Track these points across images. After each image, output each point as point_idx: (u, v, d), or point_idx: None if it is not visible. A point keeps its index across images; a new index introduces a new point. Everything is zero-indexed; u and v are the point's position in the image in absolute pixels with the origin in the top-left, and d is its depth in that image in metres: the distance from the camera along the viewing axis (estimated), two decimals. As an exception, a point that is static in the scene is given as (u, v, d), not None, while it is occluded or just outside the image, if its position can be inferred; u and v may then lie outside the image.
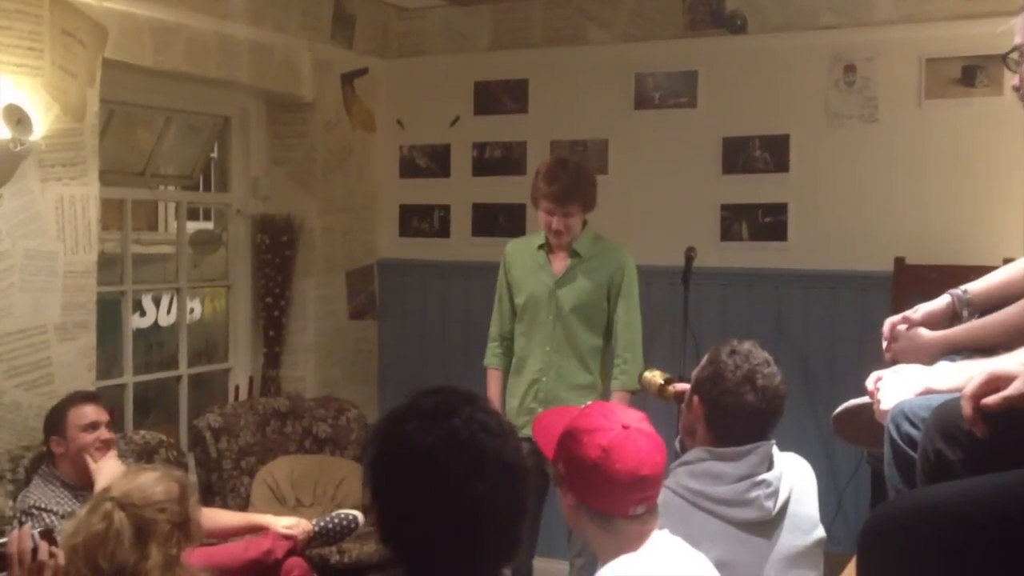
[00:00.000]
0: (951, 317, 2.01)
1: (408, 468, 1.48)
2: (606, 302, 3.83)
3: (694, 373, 2.52)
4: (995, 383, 1.46)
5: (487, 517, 1.47)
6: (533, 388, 3.85)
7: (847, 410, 2.01)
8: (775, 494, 2.39)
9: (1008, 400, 1.44)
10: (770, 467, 2.42)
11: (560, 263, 3.86)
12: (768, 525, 2.39)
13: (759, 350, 2.49)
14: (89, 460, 3.37)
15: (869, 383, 1.88)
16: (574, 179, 3.78)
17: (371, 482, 1.52)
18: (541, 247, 3.90)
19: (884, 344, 2.05)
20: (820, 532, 2.50)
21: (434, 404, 1.51)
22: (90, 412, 3.45)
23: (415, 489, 1.46)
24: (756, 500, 2.37)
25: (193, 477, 4.22)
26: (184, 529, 2.51)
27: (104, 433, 3.45)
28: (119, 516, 2.41)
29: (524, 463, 1.54)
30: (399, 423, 1.51)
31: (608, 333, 3.88)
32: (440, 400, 1.51)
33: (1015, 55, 1.75)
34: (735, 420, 2.39)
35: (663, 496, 2.31)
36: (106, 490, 2.53)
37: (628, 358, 3.81)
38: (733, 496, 2.36)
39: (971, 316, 2.00)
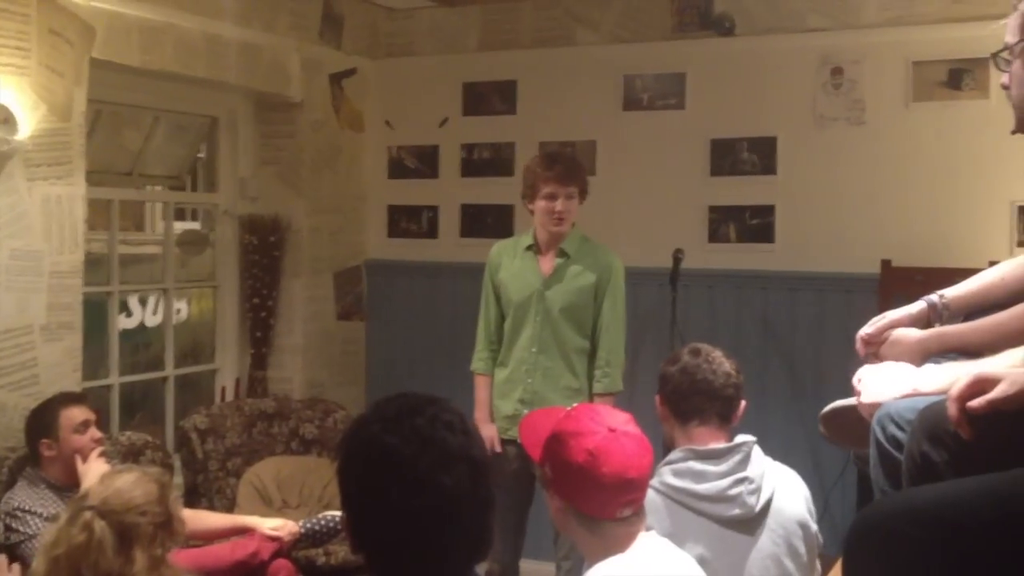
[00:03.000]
0: (925, 324, 2.01)
1: (375, 468, 1.51)
2: (593, 303, 3.81)
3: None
4: (981, 385, 1.47)
5: (455, 512, 1.49)
6: (518, 389, 3.84)
7: (834, 410, 2.01)
8: (758, 491, 2.43)
9: (994, 403, 1.45)
10: (752, 466, 2.45)
11: (548, 264, 3.85)
12: (751, 523, 2.42)
13: (712, 347, 2.61)
14: (78, 461, 3.35)
15: (855, 379, 1.89)
16: (572, 162, 3.88)
17: (341, 489, 1.55)
18: (529, 248, 3.89)
19: (862, 352, 2.05)
20: (810, 532, 2.52)
21: (397, 407, 1.55)
22: (80, 413, 3.43)
23: (383, 488, 1.49)
24: (739, 497, 2.40)
25: (179, 478, 4.21)
26: (167, 528, 2.50)
27: (95, 432, 3.44)
28: (100, 525, 2.38)
29: (488, 459, 1.57)
30: (363, 427, 1.55)
31: (595, 335, 3.86)
32: (402, 403, 1.56)
33: (1005, 54, 1.76)
34: (688, 391, 2.50)
35: (647, 495, 2.33)
36: (83, 497, 2.49)
37: (611, 360, 3.80)
38: (716, 493, 2.39)
39: (948, 322, 2.00)
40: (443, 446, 1.49)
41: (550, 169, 3.75)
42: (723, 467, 2.41)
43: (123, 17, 4.00)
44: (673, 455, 2.47)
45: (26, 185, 3.68)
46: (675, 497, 2.40)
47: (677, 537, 2.29)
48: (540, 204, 3.77)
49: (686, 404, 2.50)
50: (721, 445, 2.45)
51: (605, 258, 3.85)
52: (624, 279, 3.87)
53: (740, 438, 2.47)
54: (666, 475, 2.43)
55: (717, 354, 2.56)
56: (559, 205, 3.74)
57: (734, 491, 2.40)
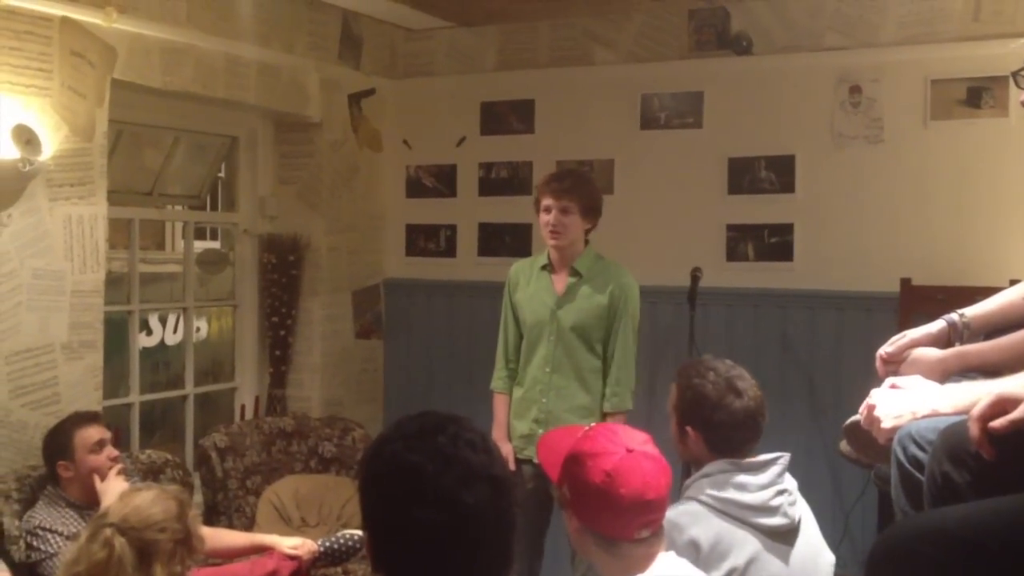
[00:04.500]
0: (945, 343, 2.00)
1: (396, 485, 1.50)
2: (606, 322, 3.81)
3: (673, 406, 2.58)
4: (1002, 405, 1.46)
5: (477, 531, 1.49)
6: (533, 409, 3.84)
7: (858, 422, 2.00)
8: (795, 503, 2.47)
9: (1016, 423, 1.44)
10: (787, 479, 2.48)
11: (562, 283, 3.85)
12: (790, 535, 2.45)
13: (720, 360, 2.57)
14: (96, 480, 3.37)
15: (862, 407, 1.87)
16: (576, 179, 3.87)
17: (362, 506, 1.55)
18: (544, 267, 3.90)
19: (882, 372, 2.04)
20: (828, 551, 2.55)
21: (419, 426, 1.55)
22: (95, 432, 3.44)
23: (404, 506, 1.48)
24: (781, 507, 2.43)
25: (198, 497, 4.22)
26: (186, 545, 2.51)
27: (111, 451, 3.46)
28: (120, 542, 2.39)
29: (511, 478, 1.57)
30: (385, 445, 1.55)
31: (607, 354, 3.85)
32: (424, 422, 1.56)
33: None
34: (732, 429, 2.47)
35: (689, 507, 2.36)
36: (103, 515, 2.51)
37: (621, 379, 3.79)
38: (760, 503, 2.41)
39: (969, 341, 1.99)
40: (465, 464, 1.49)
41: (548, 183, 3.82)
42: (763, 479, 2.42)
43: (144, 39, 4.04)
44: (710, 468, 2.46)
45: (48, 205, 3.72)
46: (720, 508, 2.40)
47: (723, 545, 2.32)
48: (540, 217, 3.82)
49: (730, 444, 2.46)
50: (759, 458, 2.46)
51: (619, 277, 3.84)
52: (638, 298, 3.86)
53: (771, 453, 2.48)
54: (707, 487, 2.43)
55: (750, 382, 2.51)
56: (552, 218, 3.77)
57: (775, 502, 2.42)
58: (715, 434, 2.46)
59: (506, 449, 3.79)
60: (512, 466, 3.78)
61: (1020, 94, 1.80)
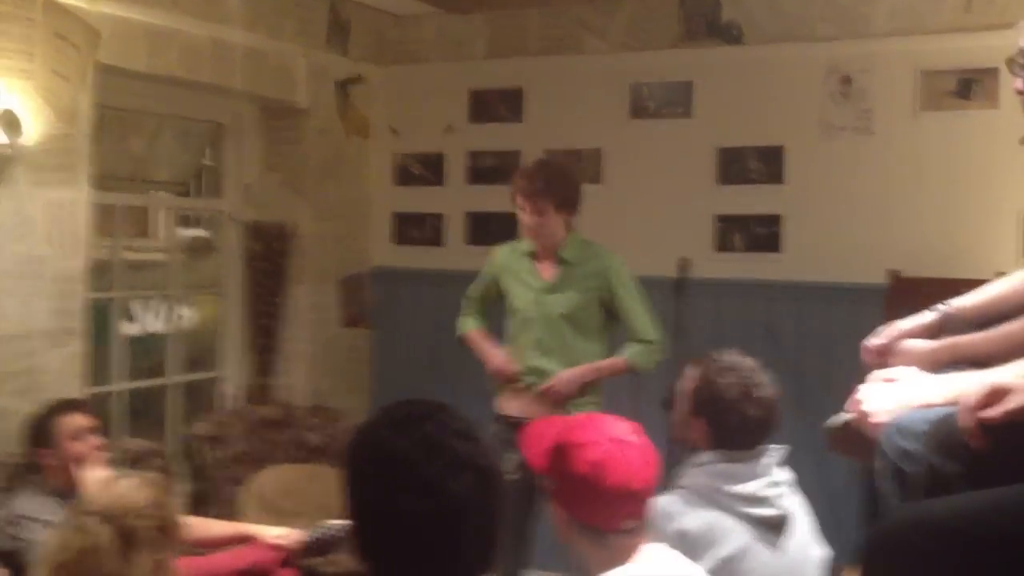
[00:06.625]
0: (935, 335, 1.99)
1: (382, 473, 1.49)
2: (598, 307, 3.79)
3: (685, 392, 2.57)
4: (995, 395, 1.45)
5: (463, 520, 1.47)
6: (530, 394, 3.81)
7: (838, 425, 1.99)
8: (788, 495, 2.48)
9: (1008, 413, 1.43)
10: (781, 471, 2.49)
11: (549, 271, 3.82)
12: (782, 526, 2.45)
13: (744, 359, 2.55)
14: (78, 468, 3.33)
15: (853, 400, 1.86)
16: (550, 177, 3.76)
17: (347, 493, 1.53)
18: (528, 254, 3.87)
19: (871, 360, 2.03)
20: (821, 549, 2.56)
21: (405, 413, 1.54)
22: (79, 420, 3.41)
23: (390, 494, 1.47)
24: (773, 499, 2.43)
25: (183, 486, 4.19)
26: (168, 532, 2.49)
27: (94, 439, 3.42)
28: (101, 529, 2.38)
29: (498, 467, 1.56)
30: (371, 432, 1.54)
31: (600, 339, 3.83)
32: (410, 409, 1.54)
33: (1020, 58, 1.74)
34: (740, 435, 2.46)
35: (679, 496, 2.39)
36: (84, 503, 2.49)
37: (648, 338, 3.76)
38: (750, 493, 2.41)
39: (958, 332, 1.98)
40: (452, 452, 1.48)
41: (519, 183, 3.75)
42: (754, 469, 2.43)
43: (129, 22, 3.99)
44: (702, 457, 2.48)
45: (30, 190, 3.68)
46: (710, 496, 2.41)
47: (712, 533, 2.33)
48: (519, 215, 3.77)
49: (735, 446, 2.46)
50: (752, 449, 2.46)
51: (605, 260, 3.82)
52: (628, 270, 3.83)
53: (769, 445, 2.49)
54: (697, 475, 2.44)
55: (770, 394, 2.51)
56: (528, 219, 3.73)
57: (765, 492, 2.42)
58: (723, 433, 2.47)
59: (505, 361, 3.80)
60: (514, 368, 3.77)
61: (1014, 81, 1.78)
